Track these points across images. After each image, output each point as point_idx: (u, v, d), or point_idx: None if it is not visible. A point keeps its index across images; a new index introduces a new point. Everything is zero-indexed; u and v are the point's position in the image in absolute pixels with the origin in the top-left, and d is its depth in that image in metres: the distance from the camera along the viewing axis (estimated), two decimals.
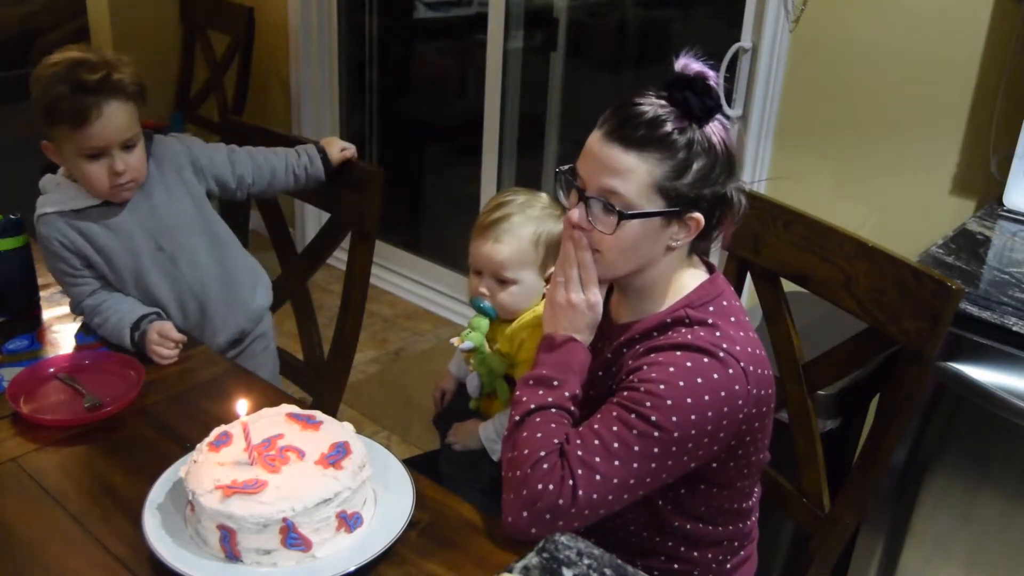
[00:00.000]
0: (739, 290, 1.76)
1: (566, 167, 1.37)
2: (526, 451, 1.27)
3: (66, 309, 1.89)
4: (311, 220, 4.11)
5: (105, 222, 1.77)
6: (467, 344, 1.62)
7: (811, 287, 1.63)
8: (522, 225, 1.62)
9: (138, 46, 3.97)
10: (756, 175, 2.59)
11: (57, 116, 1.63)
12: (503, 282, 1.63)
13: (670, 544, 1.45)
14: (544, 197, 1.68)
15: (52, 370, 1.66)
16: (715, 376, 1.26)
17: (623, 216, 1.28)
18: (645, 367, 1.29)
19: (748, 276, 1.77)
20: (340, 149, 2.02)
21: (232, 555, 1.19)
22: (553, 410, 1.32)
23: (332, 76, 4.09)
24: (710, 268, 1.42)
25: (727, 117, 1.32)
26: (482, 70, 3.51)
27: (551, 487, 1.23)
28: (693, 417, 1.25)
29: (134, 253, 1.80)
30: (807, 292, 1.65)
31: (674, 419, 1.24)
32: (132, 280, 1.82)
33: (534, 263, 1.62)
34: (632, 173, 1.27)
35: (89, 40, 4.09)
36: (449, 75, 4.18)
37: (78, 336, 1.80)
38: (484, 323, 1.63)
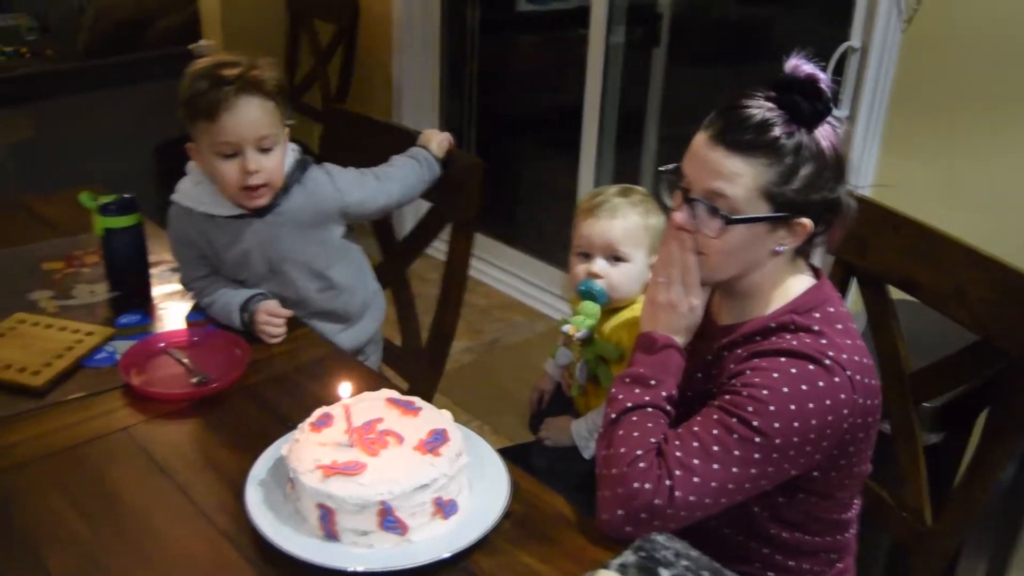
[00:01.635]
0: (843, 295, 1.72)
1: (670, 167, 1.35)
2: (623, 449, 1.26)
3: (176, 287, 1.94)
4: (409, 209, 4.12)
5: (227, 233, 1.77)
6: (584, 332, 1.60)
7: (919, 295, 1.58)
8: (631, 207, 1.62)
9: (246, 33, 4.07)
10: (861, 179, 2.53)
11: (195, 110, 1.65)
12: (616, 260, 1.61)
13: (765, 551, 1.42)
14: (641, 189, 1.67)
15: (162, 345, 1.71)
16: (820, 384, 1.23)
17: (728, 220, 1.26)
18: (748, 372, 1.27)
19: (853, 282, 1.73)
20: (438, 143, 2.02)
21: (330, 534, 1.20)
22: (650, 409, 1.31)
23: (433, 67, 4.12)
24: (816, 272, 1.39)
25: (837, 119, 1.29)
26: (583, 64, 3.49)
27: (648, 486, 1.22)
28: (796, 424, 1.22)
29: (247, 268, 1.81)
30: (915, 300, 1.60)
31: (776, 425, 1.22)
32: (246, 286, 1.84)
33: (645, 245, 1.61)
34: (738, 177, 1.25)
35: (200, 27, 4.19)
36: (548, 69, 4.17)
37: (189, 316, 1.84)
38: (596, 309, 1.61)
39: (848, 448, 1.31)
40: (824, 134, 1.27)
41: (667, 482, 1.22)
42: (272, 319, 1.75)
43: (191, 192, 1.78)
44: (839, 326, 1.31)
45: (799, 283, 1.36)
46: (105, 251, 1.92)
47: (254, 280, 1.83)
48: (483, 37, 4.08)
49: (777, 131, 1.24)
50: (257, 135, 1.66)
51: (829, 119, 1.27)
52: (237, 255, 1.79)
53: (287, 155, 1.76)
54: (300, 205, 1.78)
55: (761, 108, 1.25)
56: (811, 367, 1.24)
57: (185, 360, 1.66)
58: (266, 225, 1.77)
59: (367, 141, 2.21)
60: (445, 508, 1.24)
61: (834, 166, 1.28)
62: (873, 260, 1.65)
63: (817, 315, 1.31)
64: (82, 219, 2.14)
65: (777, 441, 1.22)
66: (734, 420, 1.23)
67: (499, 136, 4.28)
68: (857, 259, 1.68)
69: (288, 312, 1.76)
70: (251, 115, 1.65)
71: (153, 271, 1.98)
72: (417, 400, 1.37)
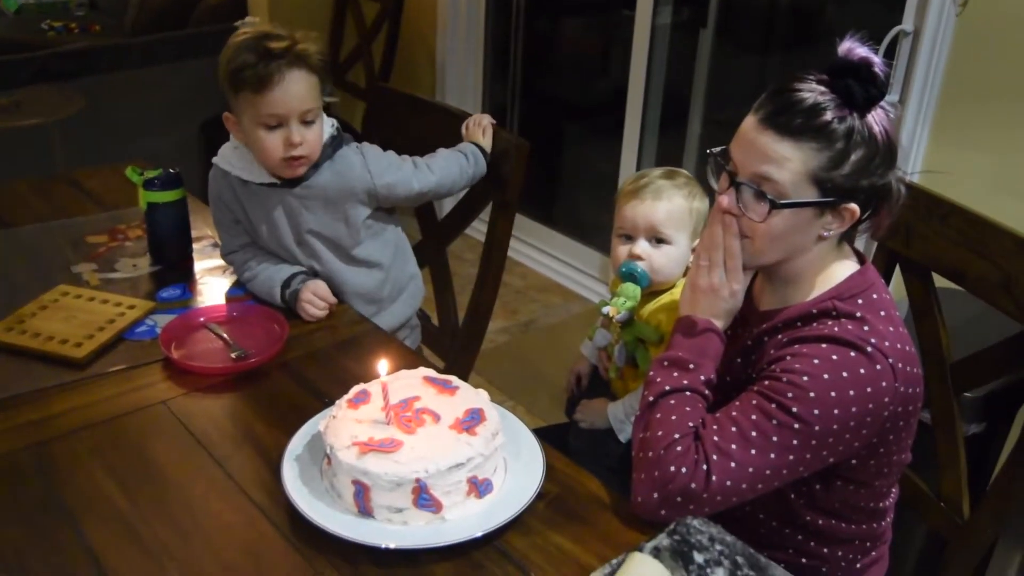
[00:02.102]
0: (887, 283, 1.70)
1: (718, 149, 1.34)
2: (660, 432, 1.26)
3: (217, 262, 1.96)
4: None
5: (261, 200, 1.80)
6: (625, 314, 1.60)
7: (965, 284, 1.55)
8: (676, 189, 1.61)
9: (292, 10, 4.08)
10: (910, 165, 2.49)
11: (241, 82, 1.65)
12: (659, 242, 1.61)
13: (799, 538, 1.42)
14: (685, 172, 1.66)
15: (202, 319, 1.72)
16: (861, 371, 1.22)
17: (775, 205, 1.25)
18: (788, 357, 1.26)
19: (897, 269, 1.71)
20: (486, 133, 2.00)
21: (365, 510, 1.21)
22: (688, 393, 1.30)
23: (477, 48, 4.11)
24: (861, 259, 1.38)
25: (890, 104, 1.27)
26: (628, 46, 3.46)
27: (684, 470, 1.21)
28: (836, 412, 1.21)
29: (277, 239, 1.82)
30: (960, 289, 1.58)
31: (816, 412, 1.21)
32: (277, 256, 1.85)
33: (688, 227, 1.61)
34: (787, 162, 1.24)
35: (246, 4, 4.21)
36: (594, 51, 4.14)
37: (229, 291, 1.86)
38: (637, 290, 1.60)
39: (888, 436, 1.30)
40: (877, 119, 1.25)
41: (704, 466, 1.21)
42: (316, 300, 1.75)
43: (229, 156, 1.80)
44: (882, 313, 1.29)
45: (843, 269, 1.34)
46: (148, 225, 1.95)
47: (286, 253, 1.83)
48: (528, 17, 4.07)
49: (829, 115, 1.23)
50: (303, 108, 1.68)
51: (882, 104, 1.26)
52: (267, 224, 1.81)
53: (325, 129, 1.77)
54: (327, 181, 1.78)
55: (813, 92, 1.24)
56: (852, 354, 1.23)
57: (224, 335, 1.67)
58: (293, 197, 1.78)
59: (410, 120, 2.21)
60: (480, 487, 1.24)
61: (885, 152, 1.26)
62: (919, 248, 1.62)
63: (860, 301, 1.30)
64: (127, 193, 2.16)
65: (816, 428, 1.21)
66: (773, 406, 1.23)
67: (542, 117, 4.26)
68: (902, 246, 1.65)
69: (333, 299, 1.77)
70: (299, 89, 1.66)
71: (195, 246, 2.01)
72: (454, 379, 1.37)
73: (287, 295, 1.77)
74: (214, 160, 1.82)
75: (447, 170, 1.91)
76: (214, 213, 1.87)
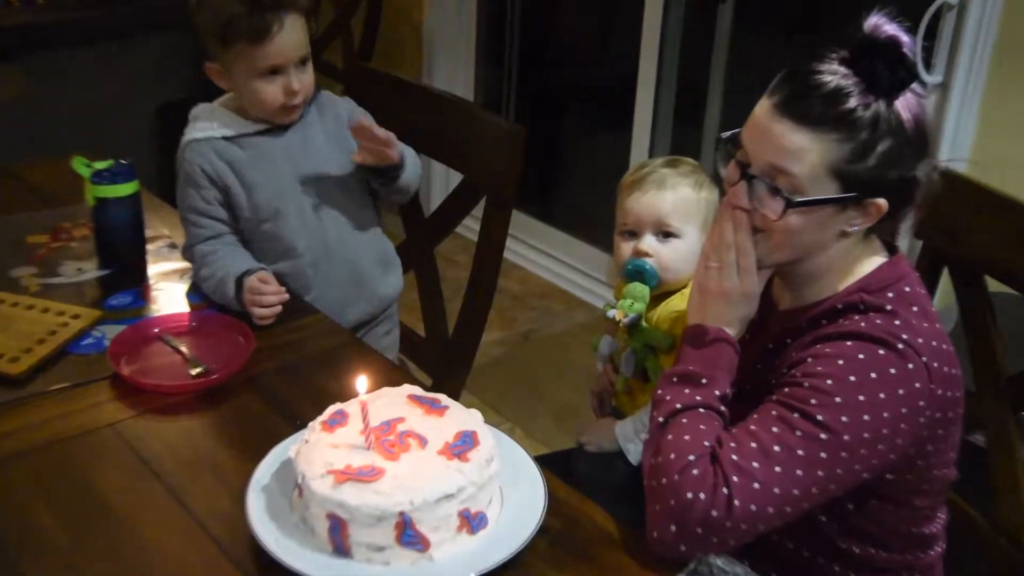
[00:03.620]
0: (932, 287, 1.69)
1: (728, 134, 1.35)
2: (672, 455, 1.25)
3: (173, 265, 1.95)
4: (438, 181, 4.14)
5: (255, 151, 1.85)
6: (632, 317, 1.60)
7: (1022, 287, 1.54)
8: (681, 178, 1.62)
9: None
10: (955, 152, 2.50)
11: (235, 34, 1.74)
12: (667, 236, 1.61)
13: (836, 569, 1.41)
14: (690, 160, 1.67)
15: (156, 330, 1.71)
16: (892, 371, 1.22)
17: (790, 204, 1.25)
18: (810, 359, 1.27)
19: (944, 272, 1.69)
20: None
21: (341, 548, 1.19)
22: (701, 410, 1.30)
23: (469, 25, 4.11)
24: (891, 249, 1.38)
25: (923, 84, 1.28)
26: (638, 23, 3.47)
27: (702, 496, 1.20)
28: (866, 418, 1.21)
29: (277, 189, 1.86)
30: (1016, 294, 1.57)
31: (844, 419, 1.21)
32: (270, 218, 1.87)
33: (697, 219, 1.61)
34: (804, 154, 1.24)
35: None
36: (600, 29, 4.15)
37: (189, 296, 1.85)
38: (645, 291, 1.60)
39: (926, 447, 1.30)
40: (905, 105, 1.25)
41: (724, 490, 1.20)
42: (262, 287, 1.73)
43: (207, 124, 1.86)
44: (915, 308, 1.29)
45: (870, 261, 1.35)
46: (96, 223, 1.93)
47: (288, 208, 1.87)
48: None
49: (852, 102, 1.23)
50: (300, 54, 1.80)
51: (913, 87, 1.25)
52: (266, 177, 1.85)
53: None
54: (316, 118, 1.91)
55: (835, 75, 1.24)
56: (881, 351, 1.23)
57: (182, 348, 1.66)
58: (293, 134, 1.88)
59: (393, 104, 2.20)
60: (472, 522, 1.22)
61: (915, 141, 1.26)
62: (968, 247, 1.62)
63: (890, 295, 1.30)
64: (73, 187, 2.13)
65: (845, 437, 1.21)
66: (795, 415, 1.22)
67: (542, 104, 4.28)
68: (948, 245, 1.64)
69: (281, 289, 1.76)
70: (296, 35, 1.78)
71: (149, 247, 1.99)
72: (443, 398, 1.36)
73: (240, 293, 1.76)
74: (190, 135, 1.85)
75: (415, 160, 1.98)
76: (187, 199, 1.86)
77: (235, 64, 1.78)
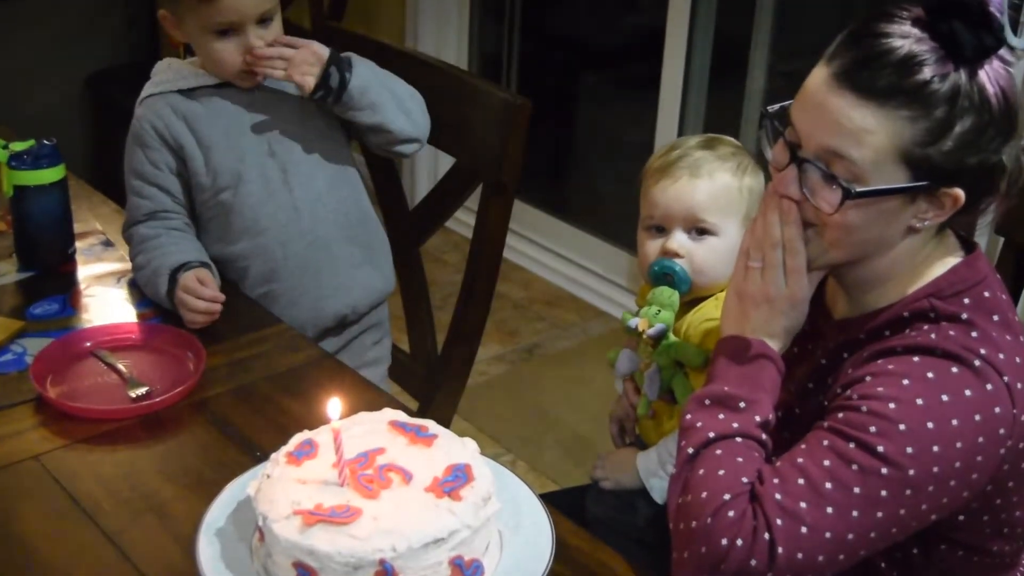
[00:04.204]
0: (1016, 294, 1.71)
1: (776, 107, 1.35)
2: (704, 494, 1.25)
3: (109, 266, 1.97)
4: (425, 166, 4.15)
5: (215, 107, 1.89)
6: (659, 327, 1.60)
7: None
8: (720, 162, 1.61)
9: None
10: None
11: None
12: (701, 233, 1.61)
13: None
14: (730, 140, 1.67)
15: (88, 344, 1.72)
16: (967, 393, 1.23)
17: (849, 195, 1.25)
18: (869, 378, 1.27)
19: None
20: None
21: None
22: (739, 439, 1.30)
23: None
24: (968, 247, 1.38)
25: (1012, 51, 1.28)
26: None
27: (739, 543, 1.21)
28: (936, 449, 1.21)
29: (239, 150, 1.90)
30: None
31: (909, 451, 1.21)
32: (230, 185, 1.90)
33: (737, 212, 1.61)
34: (868, 135, 1.24)
35: None
36: None
37: (138, 305, 1.86)
38: (674, 296, 1.60)
39: (1006, 483, 1.31)
40: (991, 76, 1.24)
41: (765, 535, 1.21)
42: (198, 288, 1.76)
43: (163, 78, 1.91)
44: (995, 317, 1.30)
45: (943, 263, 1.35)
46: (15, 216, 1.95)
47: (252, 174, 1.91)
48: None
49: (928, 72, 1.22)
50: (259, 11, 1.83)
51: (1001, 53, 1.25)
52: (225, 132, 1.89)
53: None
54: (293, 68, 1.90)
55: (907, 38, 1.23)
56: (955, 369, 1.24)
57: (120, 366, 1.68)
58: (262, 88, 1.93)
59: None
60: (466, 571, 1.23)
61: (1001, 119, 1.25)
62: None
63: (966, 301, 1.30)
64: None
65: (911, 472, 1.21)
66: (852, 446, 1.23)
67: (549, 69, 4.27)
68: None
69: (217, 293, 1.78)
70: None
71: (79, 244, 2.01)
72: (431, 424, 1.37)
73: (171, 287, 1.78)
74: (142, 96, 1.90)
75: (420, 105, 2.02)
76: (132, 161, 1.91)
77: (186, 17, 1.82)
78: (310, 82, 1.87)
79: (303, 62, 1.87)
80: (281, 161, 1.93)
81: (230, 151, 1.90)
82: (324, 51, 1.89)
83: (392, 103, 1.96)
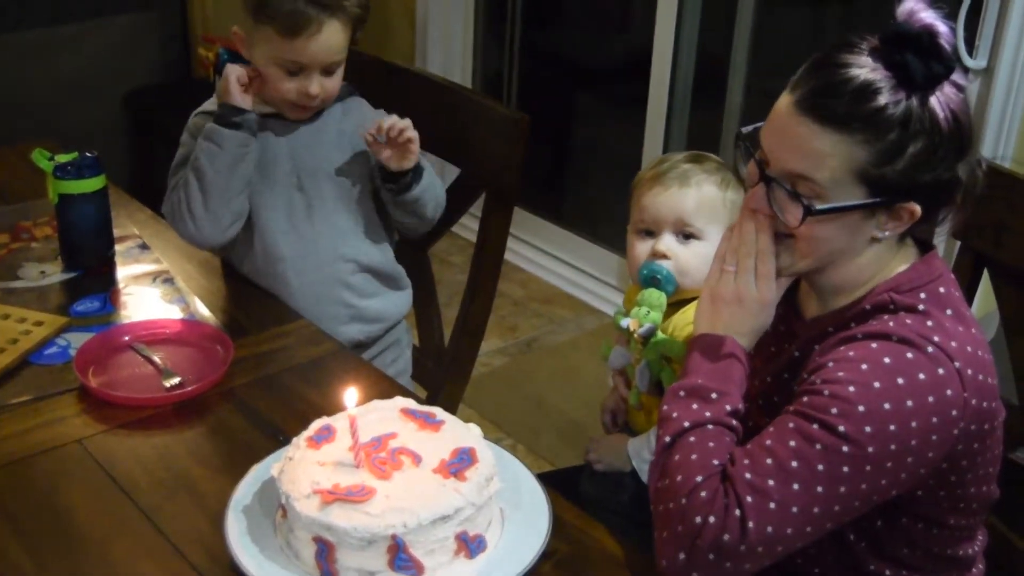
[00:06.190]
0: (971, 292, 1.71)
1: (748, 129, 1.35)
2: (679, 477, 1.26)
3: (145, 267, 1.97)
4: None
5: (260, 133, 1.87)
6: (648, 326, 1.60)
7: None
8: (706, 175, 1.62)
9: None
10: (1000, 147, 2.50)
11: (269, 16, 1.76)
12: (687, 237, 1.62)
13: None
14: (714, 157, 1.68)
15: (127, 338, 1.73)
16: (921, 376, 1.23)
17: (810, 212, 1.26)
18: (831, 364, 1.27)
19: (984, 276, 1.71)
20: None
21: (329, 573, 1.21)
22: (710, 426, 1.30)
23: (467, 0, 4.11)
24: (925, 248, 1.38)
25: (965, 71, 1.28)
26: None
27: (712, 519, 1.21)
28: (892, 428, 1.22)
29: (270, 180, 1.89)
30: None
31: (868, 430, 1.21)
32: (255, 211, 1.90)
33: (721, 220, 1.61)
34: (828, 158, 1.25)
35: None
36: (611, 2, 4.14)
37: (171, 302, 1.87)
38: (662, 297, 1.61)
39: (960, 462, 1.31)
40: (942, 101, 1.25)
41: (736, 512, 1.21)
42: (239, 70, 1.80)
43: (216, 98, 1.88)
44: (949, 311, 1.30)
45: (902, 262, 1.36)
46: (60, 222, 1.95)
47: (281, 197, 1.90)
48: None
49: (882, 99, 1.22)
50: (330, 60, 1.82)
51: (953, 78, 1.25)
52: (264, 164, 1.88)
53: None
54: (338, 119, 1.94)
55: (863, 68, 1.24)
56: (909, 355, 1.24)
57: (155, 358, 1.68)
58: (305, 125, 1.91)
59: (382, 92, 2.21)
60: (471, 545, 1.24)
61: (952, 140, 1.26)
62: (1013, 250, 1.63)
63: (922, 295, 1.31)
64: (34, 182, 2.15)
65: (870, 449, 1.22)
66: (815, 426, 1.23)
67: (547, 87, 4.26)
68: (992, 247, 1.66)
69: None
70: (332, 42, 1.81)
71: (119, 247, 2.01)
72: (439, 411, 1.38)
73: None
74: (197, 111, 1.90)
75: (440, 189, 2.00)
76: (181, 144, 1.91)
77: (259, 44, 1.80)
78: (407, 167, 1.87)
79: (417, 150, 1.86)
80: (308, 196, 1.91)
81: (263, 179, 1.88)
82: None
83: (428, 212, 1.97)
